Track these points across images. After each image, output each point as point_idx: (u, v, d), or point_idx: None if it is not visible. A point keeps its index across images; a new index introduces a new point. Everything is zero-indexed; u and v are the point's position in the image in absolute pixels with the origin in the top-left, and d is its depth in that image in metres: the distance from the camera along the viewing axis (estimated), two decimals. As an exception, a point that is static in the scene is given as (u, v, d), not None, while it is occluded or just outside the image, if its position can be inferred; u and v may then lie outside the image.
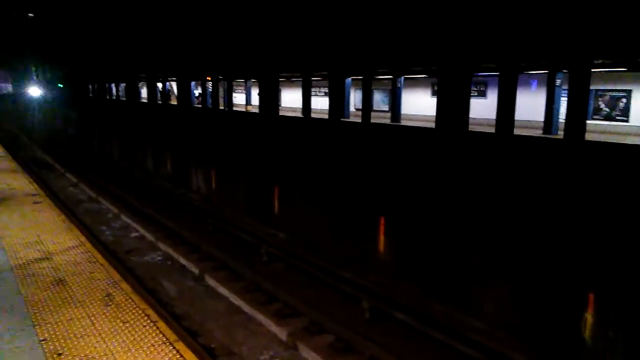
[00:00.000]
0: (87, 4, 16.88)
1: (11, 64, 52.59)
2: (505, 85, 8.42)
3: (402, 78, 13.37)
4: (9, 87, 72.76)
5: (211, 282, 9.42)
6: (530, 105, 11.46)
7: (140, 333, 4.39)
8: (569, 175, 7.15)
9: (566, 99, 7.62)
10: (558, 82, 9.43)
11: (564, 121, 7.70)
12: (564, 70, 9.25)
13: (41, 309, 4.80)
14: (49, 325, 4.49)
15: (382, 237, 9.91)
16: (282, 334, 7.58)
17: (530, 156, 7.72)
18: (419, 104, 16.29)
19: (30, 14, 20.21)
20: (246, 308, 8.41)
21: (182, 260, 10.46)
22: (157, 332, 4.43)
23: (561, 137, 7.92)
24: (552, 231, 7.23)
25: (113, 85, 30.58)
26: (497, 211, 7.96)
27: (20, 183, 10.60)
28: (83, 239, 7.03)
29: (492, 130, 8.69)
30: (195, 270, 9.90)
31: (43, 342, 4.19)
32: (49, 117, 37.57)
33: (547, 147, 7.76)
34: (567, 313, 7.06)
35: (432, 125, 9.54)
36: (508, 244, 7.78)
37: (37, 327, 4.45)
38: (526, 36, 7.94)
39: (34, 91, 43.84)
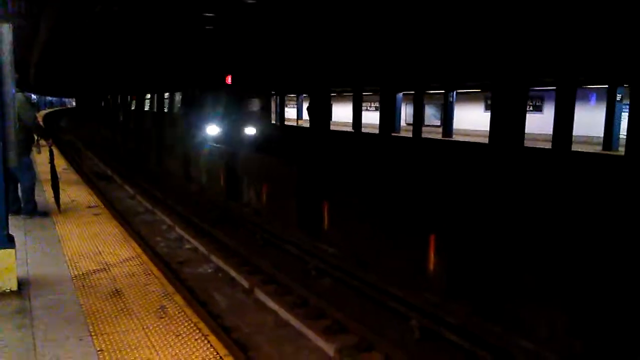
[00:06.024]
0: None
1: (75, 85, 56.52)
2: (563, 100, 8.19)
3: (455, 92, 13.22)
4: (72, 102, 79.26)
5: (260, 295, 9.49)
6: (587, 120, 11.08)
7: (192, 346, 4.47)
8: (632, 193, 6.86)
9: (627, 114, 7.34)
10: (618, 97, 9.10)
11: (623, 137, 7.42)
12: (625, 85, 8.91)
13: (98, 319, 4.95)
14: (105, 335, 4.62)
15: (432, 255, 9.75)
16: (330, 350, 7.53)
17: (590, 173, 7.45)
18: (471, 118, 16.01)
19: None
20: (294, 322, 8.42)
21: (233, 273, 10.60)
22: (208, 345, 4.50)
23: (622, 153, 7.62)
24: (610, 249, 6.93)
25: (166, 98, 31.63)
26: (555, 229, 7.71)
27: (81, 194, 11.04)
28: (139, 250, 7.23)
29: (549, 145, 8.46)
30: (245, 284, 10.01)
31: (99, 352, 4.32)
32: (102, 129, 39.77)
33: (609, 164, 7.48)
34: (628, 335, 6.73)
35: (484, 140, 9.36)
36: (565, 264, 7.50)
37: (94, 337, 4.59)
38: (586, 50, 7.71)
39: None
